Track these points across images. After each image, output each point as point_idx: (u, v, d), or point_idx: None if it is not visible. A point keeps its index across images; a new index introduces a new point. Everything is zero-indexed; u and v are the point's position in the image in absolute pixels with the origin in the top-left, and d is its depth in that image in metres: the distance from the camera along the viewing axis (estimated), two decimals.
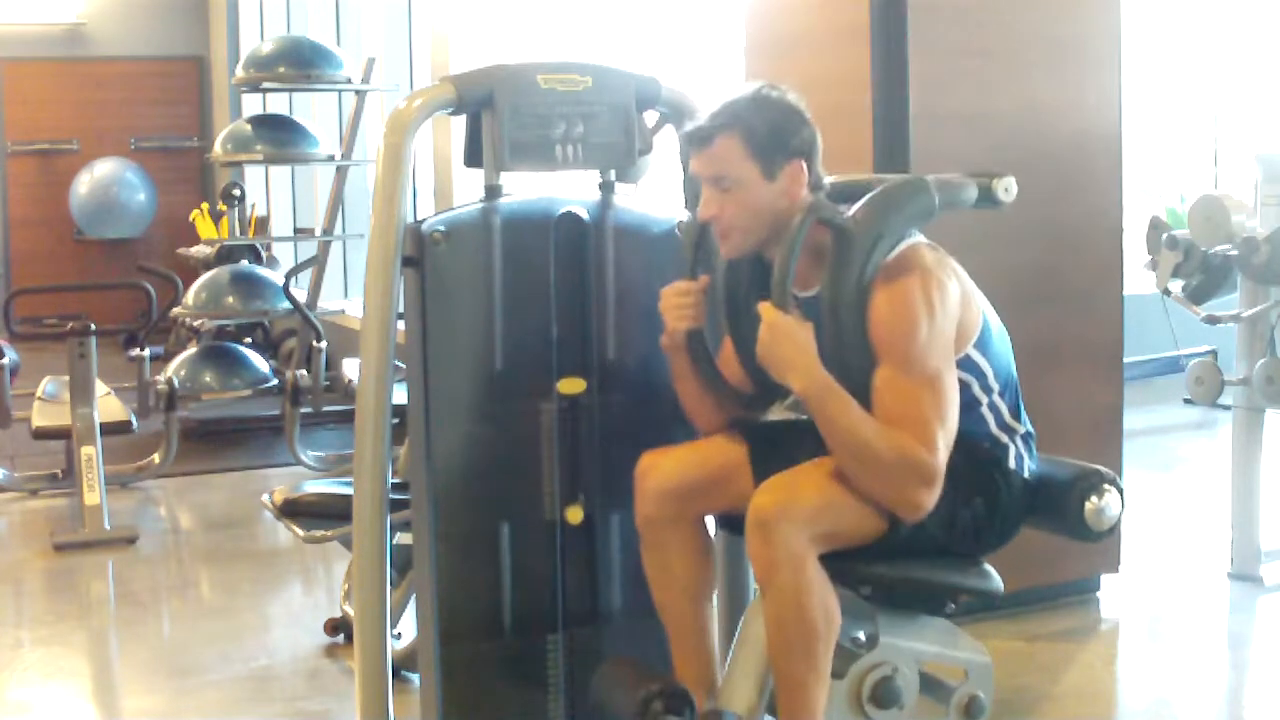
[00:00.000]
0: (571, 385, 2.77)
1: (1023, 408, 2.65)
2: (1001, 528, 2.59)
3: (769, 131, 2.52)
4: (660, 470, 2.65)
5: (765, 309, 2.44)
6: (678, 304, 2.64)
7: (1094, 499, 2.60)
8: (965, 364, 2.51)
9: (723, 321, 2.72)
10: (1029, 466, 2.62)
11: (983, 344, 2.55)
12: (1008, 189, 2.61)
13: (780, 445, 2.61)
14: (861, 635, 2.54)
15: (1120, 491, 2.64)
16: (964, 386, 2.50)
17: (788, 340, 2.42)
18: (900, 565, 2.53)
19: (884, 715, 2.54)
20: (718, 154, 2.53)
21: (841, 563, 2.46)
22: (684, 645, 2.71)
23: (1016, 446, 2.61)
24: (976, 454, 2.55)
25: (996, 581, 2.61)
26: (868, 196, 2.51)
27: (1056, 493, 2.63)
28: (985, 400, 2.56)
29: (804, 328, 2.43)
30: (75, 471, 5.45)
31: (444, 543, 2.71)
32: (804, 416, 2.55)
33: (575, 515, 2.77)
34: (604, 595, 2.84)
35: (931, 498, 2.41)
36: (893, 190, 2.53)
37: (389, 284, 2.63)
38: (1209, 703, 3.61)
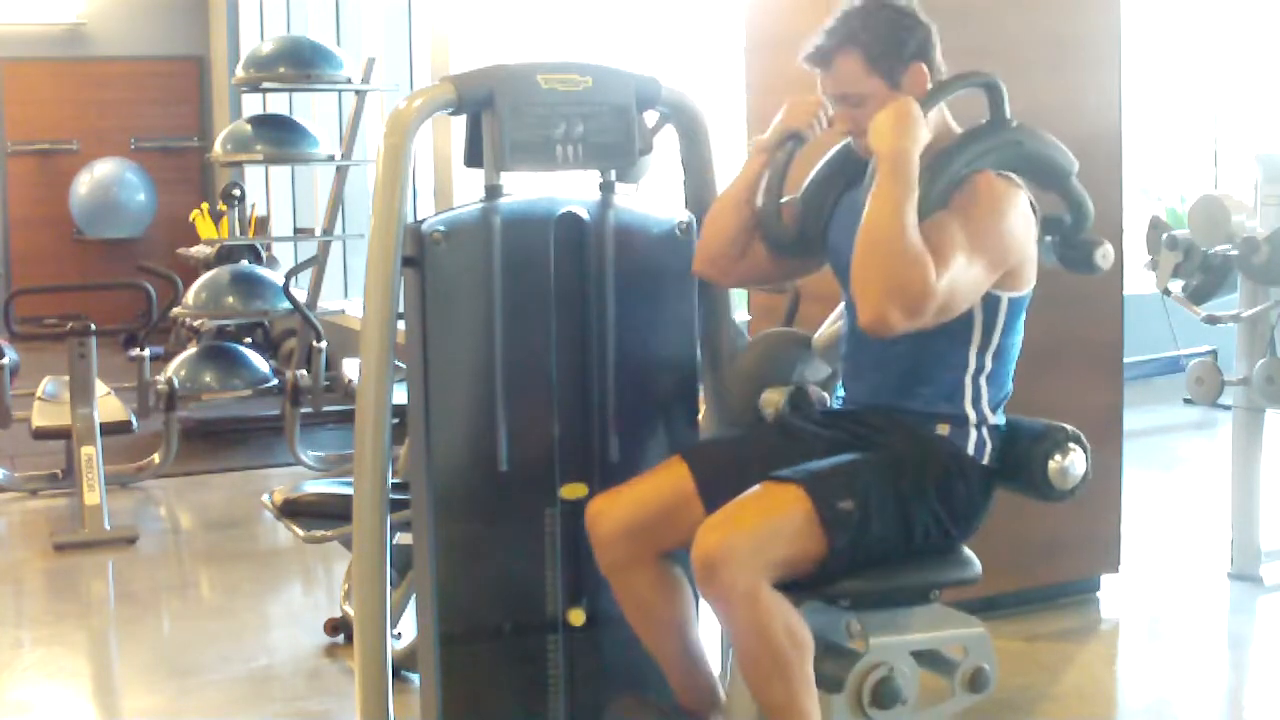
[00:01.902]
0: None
1: (1003, 408, 2.61)
2: (966, 518, 2.56)
3: (885, 42, 2.52)
4: (609, 515, 2.60)
5: (905, 99, 2.46)
6: (805, 106, 2.67)
7: (1058, 457, 2.58)
8: (989, 302, 2.51)
9: (804, 189, 2.73)
10: (990, 453, 2.58)
11: (1013, 309, 2.55)
12: (1105, 256, 2.69)
13: (727, 473, 2.56)
14: (855, 624, 2.53)
15: (1085, 450, 2.60)
16: (967, 322, 2.49)
17: (908, 120, 2.42)
18: (875, 574, 2.50)
19: (888, 715, 2.53)
20: (840, 74, 2.55)
21: (813, 584, 2.45)
22: (679, 677, 2.70)
23: (980, 434, 2.56)
24: (931, 444, 2.52)
25: (975, 568, 2.58)
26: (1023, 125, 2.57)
27: (1020, 452, 2.60)
28: (972, 365, 2.54)
29: (923, 131, 2.43)
30: (75, 471, 5.45)
31: (444, 543, 2.71)
32: (747, 433, 2.57)
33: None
34: (604, 593, 2.84)
35: (899, 321, 2.35)
36: (1042, 134, 2.59)
37: (389, 284, 2.63)
38: (1209, 703, 3.61)
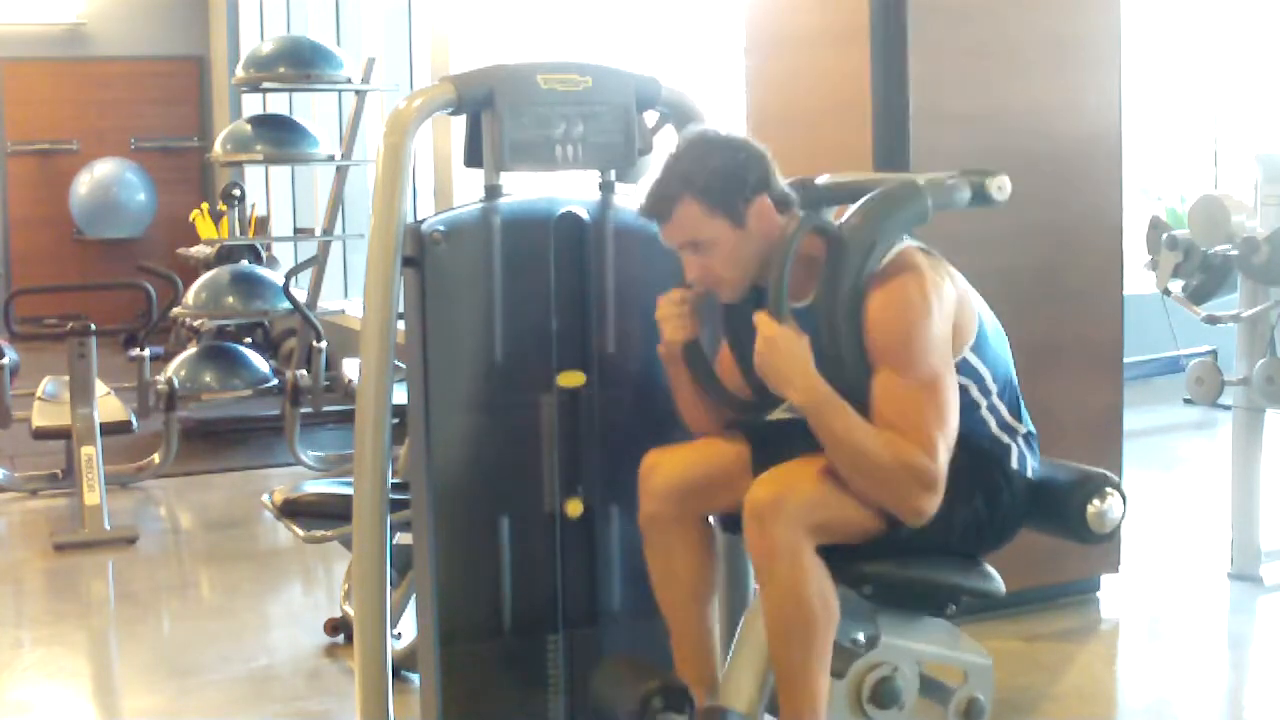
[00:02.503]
0: (571, 378, 2.77)
1: (1023, 408, 2.65)
2: (1002, 528, 2.60)
3: (721, 182, 2.49)
4: (664, 469, 2.64)
5: (761, 321, 2.44)
6: (673, 314, 2.64)
7: (1096, 502, 2.61)
8: (963, 367, 2.51)
9: (720, 330, 2.72)
10: (1032, 466, 2.62)
11: (979, 347, 2.54)
12: (1001, 187, 2.59)
13: (781, 445, 2.60)
14: (861, 635, 2.54)
15: (1122, 495, 2.64)
16: (962, 390, 2.49)
17: (785, 352, 2.42)
18: (901, 564, 2.53)
19: (884, 715, 2.54)
20: (681, 223, 2.52)
21: (841, 561, 2.46)
22: (685, 644, 2.71)
23: (1019, 446, 2.60)
24: (978, 454, 2.55)
25: (998, 582, 2.61)
26: (859, 202, 2.51)
27: (1059, 495, 2.63)
28: (984, 403, 2.56)
29: (800, 339, 2.42)
30: (75, 471, 5.45)
31: (444, 543, 2.71)
32: (803, 416, 2.55)
33: (575, 508, 2.77)
34: (604, 593, 2.84)
35: (933, 503, 2.40)
36: (886, 195, 2.52)
37: (389, 284, 2.63)
38: (1209, 703, 3.61)
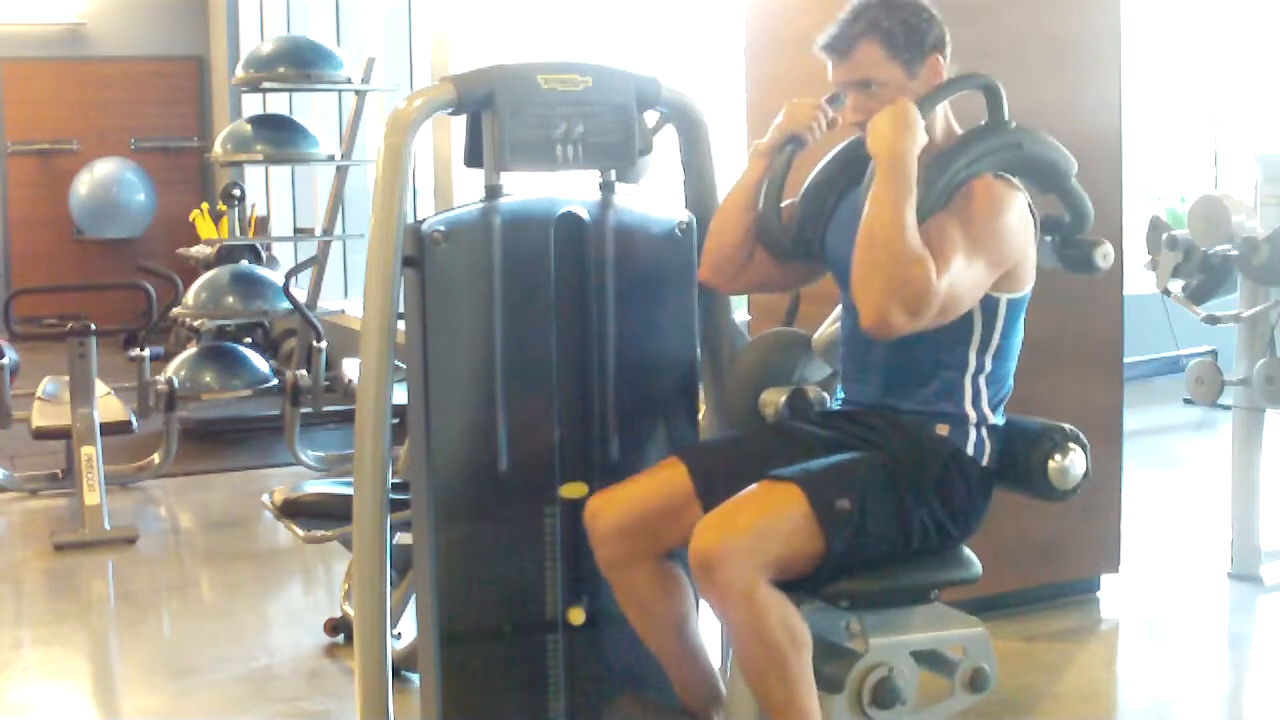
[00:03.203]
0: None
1: (1003, 407, 2.62)
2: (965, 519, 2.56)
3: (906, 32, 2.55)
4: (607, 512, 2.61)
5: (903, 101, 2.48)
6: (804, 109, 2.67)
7: (1058, 457, 2.58)
8: (988, 303, 2.51)
9: (803, 192, 2.74)
10: (990, 454, 2.58)
11: (1012, 309, 2.55)
12: (1106, 256, 2.72)
13: (725, 472, 2.56)
14: (855, 623, 2.53)
15: (1085, 449, 2.60)
16: (966, 322, 2.49)
17: (905, 123, 2.44)
18: (874, 574, 2.50)
19: (889, 715, 2.53)
20: (860, 61, 2.56)
21: (812, 585, 2.45)
22: (679, 674, 2.70)
23: (979, 434, 2.57)
24: (930, 445, 2.52)
25: (975, 568, 2.58)
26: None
27: (1020, 452, 2.60)
28: (972, 366, 2.55)
29: (920, 128, 2.45)
30: (75, 471, 5.45)
31: (444, 543, 2.71)
32: (744, 434, 2.57)
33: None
34: (604, 593, 2.84)
35: (899, 324, 2.37)
36: (1046, 139, 2.61)
37: (389, 284, 2.63)
38: (1209, 703, 3.61)
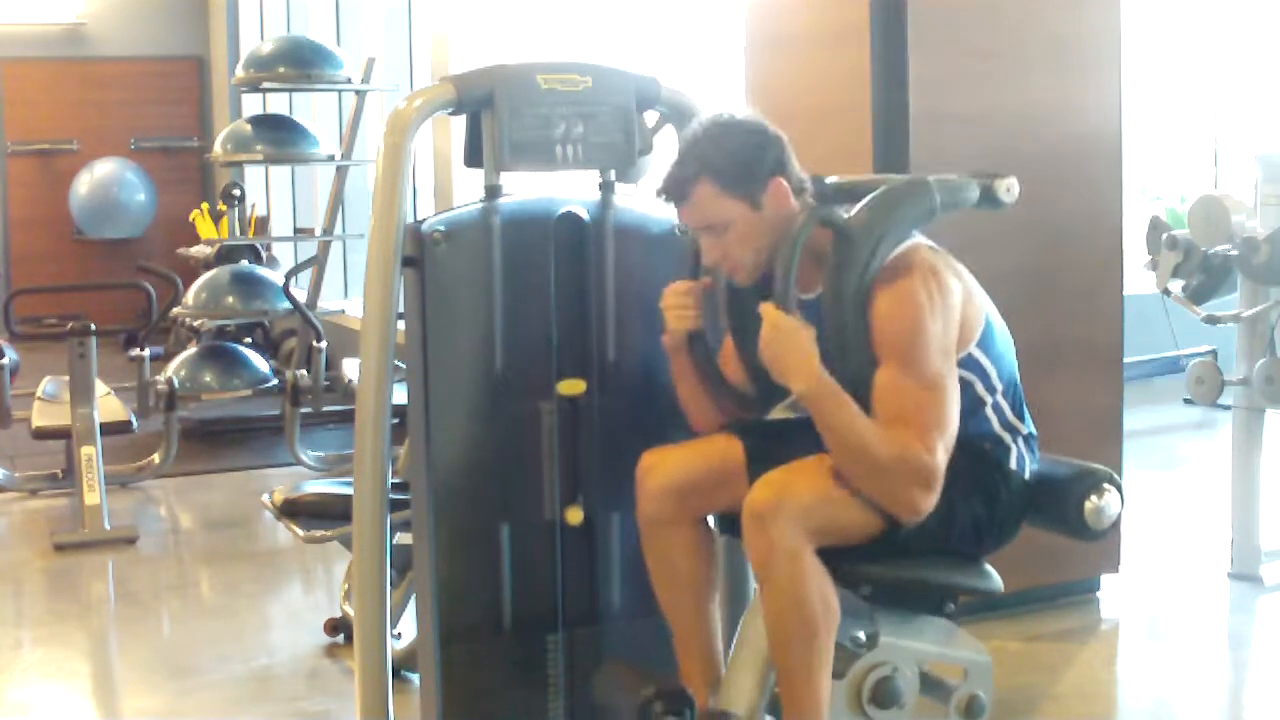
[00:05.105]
0: (571, 386, 2.77)
1: (1025, 408, 2.65)
2: (1000, 528, 2.60)
3: (738, 164, 2.50)
4: (661, 469, 2.65)
5: (767, 310, 2.44)
6: (678, 304, 2.65)
7: (1094, 498, 2.61)
8: (968, 363, 2.51)
9: (725, 321, 2.72)
10: (1030, 467, 2.62)
11: (985, 343, 2.54)
12: (1010, 189, 2.59)
13: (778, 445, 2.60)
14: (861, 635, 2.54)
15: (1120, 490, 2.64)
16: (967, 386, 2.50)
17: (790, 341, 2.42)
18: (899, 565, 2.53)
19: (884, 715, 2.54)
20: (698, 204, 2.53)
21: (840, 562, 2.46)
22: (689, 644, 2.71)
23: (1018, 448, 2.61)
24: (978, 454, 2.55)
25: (996, 581, 2.61)
26: (869, 197, 2.51)
27: (1056, 492, 2.63)
28: (989, 400, 2.56)
29: (806, 329, 2.43)
30: (75, 471, 5.45)
31: (444, 543, 2.71)
32: (803, 415, 2.55)
33: (575, 516, 2.77)
34: (604, 595, 2.84)
35: (930, 500, 2.41)
36: (894, 191, 2.53)
37: (389, 284, 2.63)
38: (1209, 703, 3.61)
